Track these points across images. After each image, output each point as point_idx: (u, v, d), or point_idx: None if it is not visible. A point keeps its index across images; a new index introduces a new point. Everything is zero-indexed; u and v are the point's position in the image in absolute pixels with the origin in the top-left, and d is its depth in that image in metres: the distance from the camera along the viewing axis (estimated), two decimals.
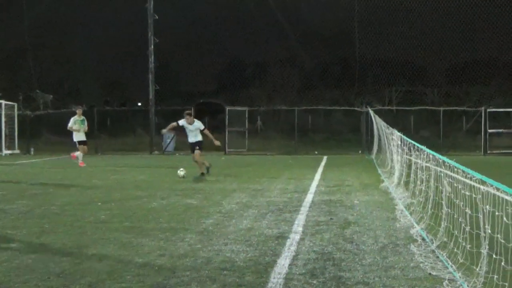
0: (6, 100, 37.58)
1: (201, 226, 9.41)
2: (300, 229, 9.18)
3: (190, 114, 19.43)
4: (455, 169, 7.18)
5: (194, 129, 19.32)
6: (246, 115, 38.09)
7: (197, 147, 19.26)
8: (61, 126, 23.47)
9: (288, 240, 8.31)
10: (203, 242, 8.12)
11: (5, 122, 36.27)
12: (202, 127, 19.40)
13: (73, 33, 51.45)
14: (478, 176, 6.04)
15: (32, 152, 36.36)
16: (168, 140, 37.92)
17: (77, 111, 24.30)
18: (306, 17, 48.48)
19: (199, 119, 20.18)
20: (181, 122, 19.40)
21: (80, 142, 23.89)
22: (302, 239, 8.39)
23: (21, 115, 38.91)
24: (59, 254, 7.40)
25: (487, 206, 5.70)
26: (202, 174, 19.06)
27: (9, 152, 35.87)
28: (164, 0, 39.83)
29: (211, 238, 8.42)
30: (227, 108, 37.58)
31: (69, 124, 23.89)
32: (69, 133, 24.19)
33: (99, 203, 12.22)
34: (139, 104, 46.19)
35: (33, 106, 43.13)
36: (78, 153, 24.01)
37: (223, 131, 37.18)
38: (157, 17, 37.75)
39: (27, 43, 49.71)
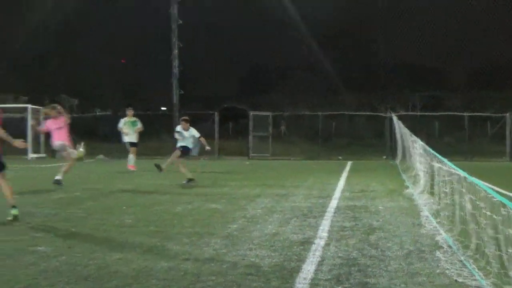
0: (32, 104, 37.93)
1: (226, 231, 9.43)
2: (325, 234, 9.17)
3: (186, 121, 19.14)
4: (477, 187, 7.12)
5: (189, 136, 18.99)
6: (270, 120, 38.08)
7: (181, 149, 18.86)
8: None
9: (313, 245, 8.30)
10: (228, 247, 8.13)
11: (32, 126, 36.58)
12: (198, 135, 19.10)
13: (97, 37, 51.80)
14: (499, 198, 5.99)
15: (58, 156, 36.61)
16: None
17: (128, 113, 24.32)
18: (330, 21, 48.43)
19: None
20: (178, 128, 19.28)
21: (130, 144, 24.11)
22: (327, 244, 8.37)
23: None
24: (86, 258, 7.45)
25: (510, 230, 5.65)
26: (159, 167, 19.23)
27: (35, 156, 36.18)
28: (188, 5, 39.92)
29: (236, 243, 8.43)
30: (251, 113, 37.61)
31: (119, 125, 24.05)
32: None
33: (124, 207, 12.29)
34: (163, 108, 46.36)
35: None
36: (130, 156, 24.09)
37: (246, 135, 37.26)
38: (181, 22, 37.87)
39: (52, 47, 50.20)
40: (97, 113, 39.69)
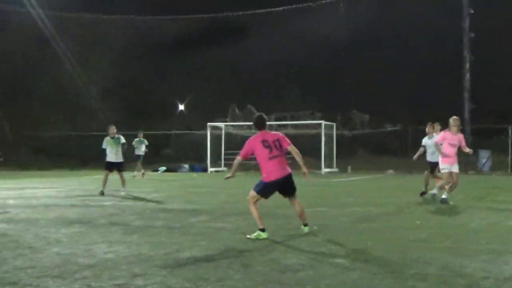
0: (325, 120, 39.31)
1: None
2: None
3: (431, 126, 18.15)
4: None
5: (431, 144, 17.58)
6: None
7: (430, 165, 18.00)
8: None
9: None
10: None
11: (325, 141, 37.89)
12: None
13: (386, 51, 52.23)
14: None
15: (349, 170, 37.46)
16: (484, 160, 36.75)
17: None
18: None
19: None
20: (423, 140, 18.35)
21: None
22: None
23: (339, 134, 40.38)
24: (382, 272, 7.49)
25: None
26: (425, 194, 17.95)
27: (328, 170, 37.37)
28: (482, 18, 38.74)
29: None
30: None
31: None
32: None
33: (418, 222, 12.20)
34: None
35: (351, 126, 44.63)
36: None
37: None
38: (473, 35, 36.86)
39: (344, 64, 51.76)
40: (388, 129, 40.00)
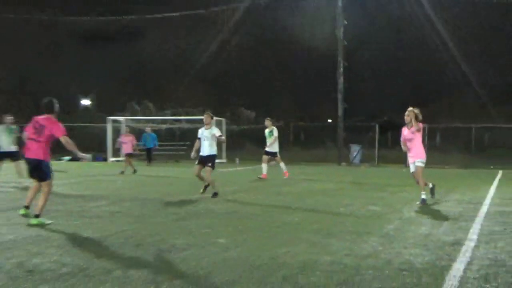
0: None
1: (383, 231, 9.35)
2: (475, 237, 8.85)
3: (209, 116, 15.20)
4: None
5: (210, 136, 15.00)
6: (426, 132, 37.11)
7: (209, 164, 15.03)
8: (263, 139, 23.62)
9: (463, 246, 8.04)
10: (385, 245, 8.07)
11: None
12: (219, 133, 15.40)
13: (272, 56, 52.94)
14: None
15: (237, 162, 37.64)
16: (355, 153, 37.89)
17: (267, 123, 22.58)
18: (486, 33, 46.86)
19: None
20: (199, 132, 15.24)
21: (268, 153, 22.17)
22: (476, 246, 8.08)
23: (228, 129, 40.50)
24: (259, 250, 7.67)
25: None
26: (205, 190, 15.14)
27: (217, 161, 37.45)
28: (354, 26, 39.86)
29: (392, 242, 8.35)
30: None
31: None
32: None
33: (292, 207, 12.49)
34: (329, 120, 46.54)
35: (239, 122, 44.93)
36: (281, 164, 22.29)
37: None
38: (346, 43, 37.80)
39: (234, 64, 51.99)
40: None
